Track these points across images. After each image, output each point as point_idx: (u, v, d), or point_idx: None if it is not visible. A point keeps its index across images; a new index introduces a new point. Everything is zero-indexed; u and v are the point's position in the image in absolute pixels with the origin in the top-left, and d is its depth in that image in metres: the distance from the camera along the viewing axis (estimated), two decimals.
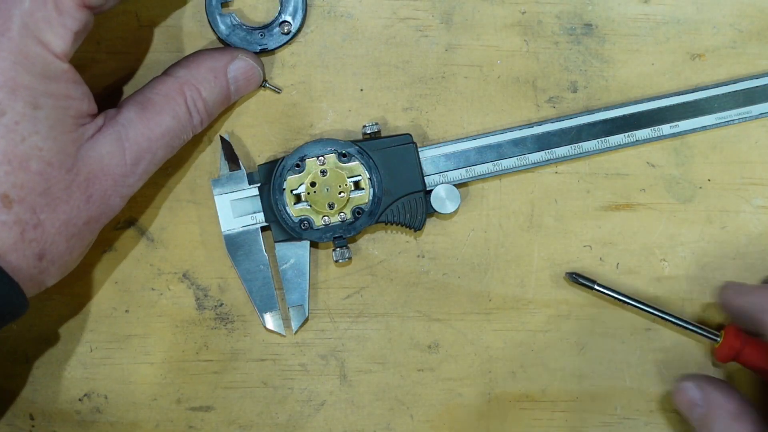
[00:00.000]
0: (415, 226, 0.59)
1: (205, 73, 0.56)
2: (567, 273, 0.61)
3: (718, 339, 0.60)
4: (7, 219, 0.47)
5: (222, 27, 0.59)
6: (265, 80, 0.60)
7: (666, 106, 0.60)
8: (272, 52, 0.60)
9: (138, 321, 0.61)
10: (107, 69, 0.60)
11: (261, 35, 0.60)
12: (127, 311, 0.61)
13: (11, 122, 0.47)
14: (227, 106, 0.58)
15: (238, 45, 0.59)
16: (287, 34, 0.60)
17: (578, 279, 0.61)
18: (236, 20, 0.59)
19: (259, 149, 0.61)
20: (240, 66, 0.57)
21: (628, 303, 0.60)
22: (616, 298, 0.60)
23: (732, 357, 0.59)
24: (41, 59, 0.47)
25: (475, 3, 0.61)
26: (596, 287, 0.60)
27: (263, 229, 0.59)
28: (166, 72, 0.56)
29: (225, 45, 0.60)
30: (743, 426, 0.53)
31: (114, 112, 0.53)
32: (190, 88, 0.55)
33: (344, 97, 0.61)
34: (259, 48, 0.60)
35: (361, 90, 0.61)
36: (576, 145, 0.60)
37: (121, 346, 0.61)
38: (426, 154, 0.59)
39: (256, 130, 0.61)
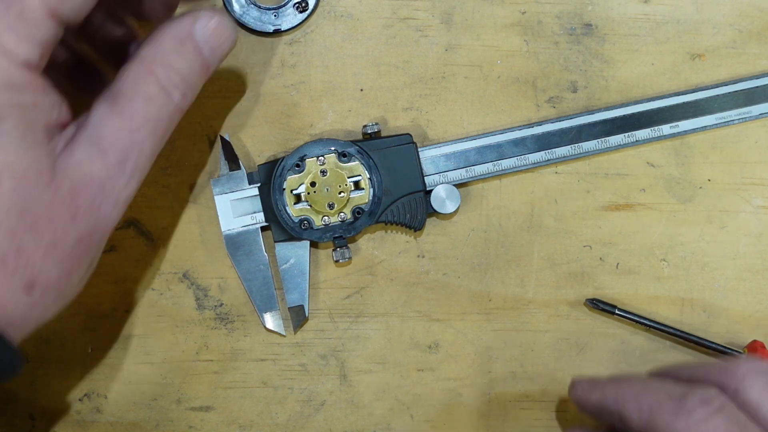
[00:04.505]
0: (415, 226, 0.59)
1: (169, 44, 0.50)
2: (587, 300, 0.61)
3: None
4: None
5: (236, 6, 0.59)
6: None
7: (666, 106, 0.60)
8: (286, 32, 0.60)
9: (138, 321, 0.61)
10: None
11: (275, 15, 0.60)
12: (127, 311, 0.61)
13: None
14: (209, 72, 0.52)
15: (251, 25, 0.60)
16: (304, 11, 0.60)
17: (599, 305, 0.60)
18: None
19: (259, 149, 0.61)
20: (205, 25, 0.50)
21: (650, 326, 0.60)
22: (638, 322, 0.60)
23: None
24: (4, 69, 0.43)
25: (475, 3, 0.61)
26: (617, 312, 0.60)
27: (263, 229, 0.59)
28: (131, 57, 0.50)
29: (239, 26, 0.60)
30: None
31: (85, 116, 0.48)
32: (158, 65, 0.49)
33: (344, 97, 0.61)
34: (273, 28, 0.60)
35: (361, 90, 0.61)
36: (576, 145, 0.60)
37: (121, 346, 0.61)
38: (426, 154, 0.59)
39: (256, 130, 0.61)
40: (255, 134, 0.61)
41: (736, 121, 0.61)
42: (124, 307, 0.61)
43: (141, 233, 0.60)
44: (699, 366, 0.52)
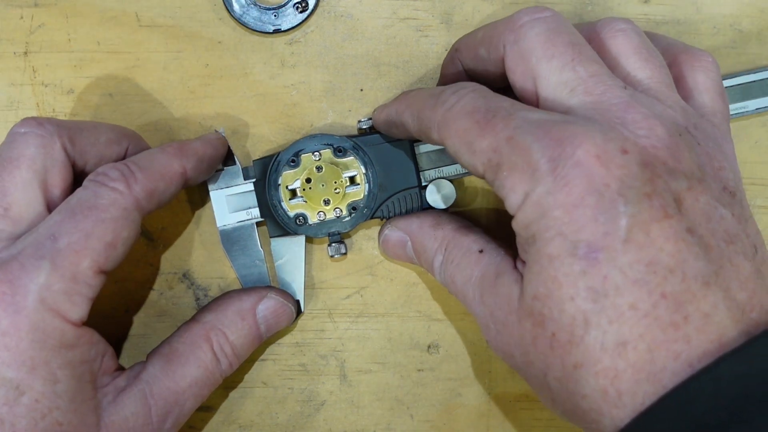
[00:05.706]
0: None
1: (232, 317, 0.55)
2: None
3: None
4: None
5: (236, 6, 0.60)
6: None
7: None
8: (286, 32, 0.61)
9: (138, 321, 0.61)
10: (107, 69, 0.60)
11: (275, 15, 0.60)
12: (127, 311, 0.61)
13: (31, 401, 0.45)
14: (258, 345, 0.57)
15: (251, 25, 0.60)
16: (304, 11, 0.60)
17: None
18: None
19: (259, 150, 0.61)
20: (269, 305, 0.57)
21: None
22: None
23: None
24: (58, 331, 0.46)
25: (475, 3, 0.62)
26: None
27: (259, 224, 0.59)
28: (194, 317, 0.55)
29: (239, 25, 0.60)
30: (442, 230, 0.55)
31: (138, 369, 0.52)
32: (217, 333, 0.54)
33: (344, 97, 0.61)
34: (273, 28, 0.60)
35: (361, 90, 0.61)
36: None
37: (121, 346, 0.61)
38: (421, 150, 0.59)
39: (256, 130, 0.61)
40: (255, 134, 0.61)
41: (733, 117, 0.60)
42: (124, 307, 0.61)
43: (141, 233, 0.60)
44: (492, 25, 0.53)
